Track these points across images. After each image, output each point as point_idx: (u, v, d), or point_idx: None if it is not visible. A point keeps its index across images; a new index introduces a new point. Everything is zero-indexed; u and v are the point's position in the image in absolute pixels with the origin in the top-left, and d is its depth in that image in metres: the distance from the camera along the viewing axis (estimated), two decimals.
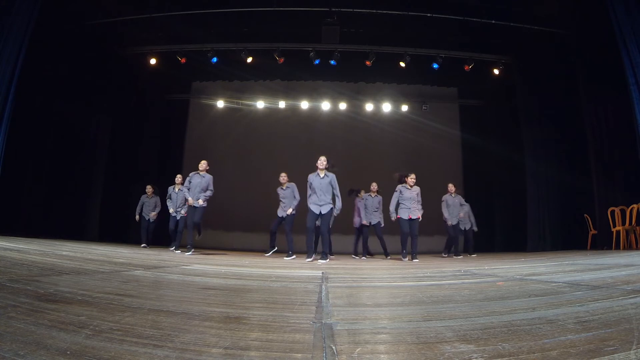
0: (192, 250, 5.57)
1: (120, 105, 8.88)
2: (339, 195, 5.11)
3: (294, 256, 5.51)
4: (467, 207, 7.25)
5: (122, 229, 8.60)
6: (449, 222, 6.84)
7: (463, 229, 7.30)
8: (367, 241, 6.83)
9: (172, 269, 2.88)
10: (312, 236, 5.16)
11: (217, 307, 1.39)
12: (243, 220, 9.49)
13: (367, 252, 6.91)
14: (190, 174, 5.91)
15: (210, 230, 9.10)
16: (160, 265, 3.15)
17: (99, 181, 8.51)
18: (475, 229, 7.40)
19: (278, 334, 0.99)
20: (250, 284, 2.22)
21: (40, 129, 7.13)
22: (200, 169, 5.86)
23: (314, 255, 5.12)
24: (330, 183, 5.11)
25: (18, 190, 6.77)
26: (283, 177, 6.10)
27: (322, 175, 5.12)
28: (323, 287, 2.02)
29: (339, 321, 1.14)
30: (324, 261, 4.75)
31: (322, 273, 2.96)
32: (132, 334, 0.91)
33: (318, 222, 5.37)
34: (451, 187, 7.05)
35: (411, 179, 5.78)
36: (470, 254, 7.09)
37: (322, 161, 5.12)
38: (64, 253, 3.51)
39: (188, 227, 5.77)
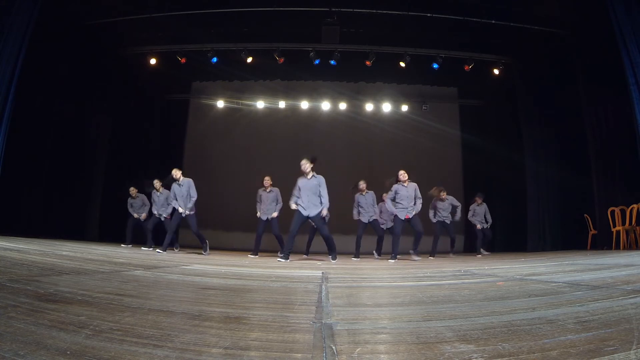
0: (208, 251, 5.76)
1: (120, 105, 8.88)
2: (325, 196, 5.01)
3: (289, 259, 5.57)
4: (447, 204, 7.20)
5: (122, 229, 8.59)
6: (435, 220, 7.00)
7: (481, 227, 7.44)
8: (361, 239, 6.66)
9: (172, 269, 2.88)
10: (293, 240, 5.03)
11: (217, 307, 1.39)
12: (243, 220, 9.47)
13: (378, 252, 6.83)
14: (172, 186, 5.91)
15: (210, 230, 9.09)
16: (160, 265, 3.15)
17: (99, 181, 8.51)
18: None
19: (278, 334, 0.99)
20: (250, 284, 2.22)
21: (40, 129, 7.12)
22: (176, 177, 5.83)
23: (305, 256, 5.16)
24: (318, 185, 5.01)
25: (18, 190, 6.77)
26: (267, 180, 6.25)
27: (309, 177, 5.04)
28: (323, 287, 2.02)
29: (339, 321, 1.14)
30: (335, 261, 4.83)
31: (322, 273, 2.96)
32: (132, 334, 0.91)
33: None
34: (443, 194, 7.01)
35: (402, 175, 5.64)
36: (482, 254, 7.07)
37: (303, 165, 5.02)
38: (64, 253, 3.51)
39: (169, 230, 5.91)
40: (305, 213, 5.00)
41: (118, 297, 1.43)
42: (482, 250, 7.35)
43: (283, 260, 4.77)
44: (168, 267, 2.97)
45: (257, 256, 5.86)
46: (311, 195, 5.00)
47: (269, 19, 7.73)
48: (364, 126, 10.32)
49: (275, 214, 6.13)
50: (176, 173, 5.87)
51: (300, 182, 5.08)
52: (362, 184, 6.57)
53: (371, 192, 6.62)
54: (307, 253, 6.76)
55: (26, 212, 7.00)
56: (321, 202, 5.02)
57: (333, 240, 5.11)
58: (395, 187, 5.71)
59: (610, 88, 6.32)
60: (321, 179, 5.05)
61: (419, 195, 5.69)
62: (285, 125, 10.46)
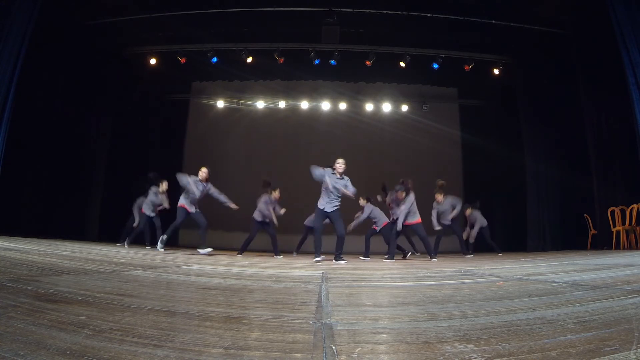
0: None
1: (120, 105, 8.88)
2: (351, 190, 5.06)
3: (281, 256, 5.98)
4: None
5: (122, 229, 8.60)
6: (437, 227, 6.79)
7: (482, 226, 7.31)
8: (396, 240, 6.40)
9: (172, 269, 2.88)
10: (321, 236, 5.06)
11: (217, 307, 1.39)
12: (243, 221, 9.47)
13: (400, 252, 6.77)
14: (195, 181, 5.83)
15: (210, 230, 9.08)
16: (160, 265, 3.15)
17: (99, 181, 8.50)
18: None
19: (278, 334, 0.98)
20: (250, 284, 2.22)
21: (40, 129, 7.12)
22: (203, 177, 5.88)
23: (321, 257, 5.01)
24: (346, 186, 4.99)
25: (18, 190, 6.77)
26: (277, 192, 6.61)
27: (339, 176, 5.02)
28: (323, 287, 2.02)
29: (339, 321, 1.14)
30: (344, 261, 4.72)
31: (322, 273, 2.96)
32: (132, 334, 0.91)
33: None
34: (439, 197, 6.90)
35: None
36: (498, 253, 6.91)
37: (341, 164, 4.99)
38: (64, 253, 3.51)
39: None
40: (329, 210, 4.99)
41: (118, 297, 1.43)
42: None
43: (320, 259, 4.75)
44: (168, 267, 2.97)
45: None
46: (337, 195, 5.00)
47: (269, 19, 7.73)
48: (364, 126, 10.33)
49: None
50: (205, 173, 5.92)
51: (331, 179, 4.97)
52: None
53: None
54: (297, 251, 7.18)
55: (26, 212, 7.00)
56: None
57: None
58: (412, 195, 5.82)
59: (610, 88, 6.32)
60: (348, 180, 5.08)
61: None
62: (285, 125, 10.47)
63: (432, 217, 6.73)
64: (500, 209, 9.38)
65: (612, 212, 6.10)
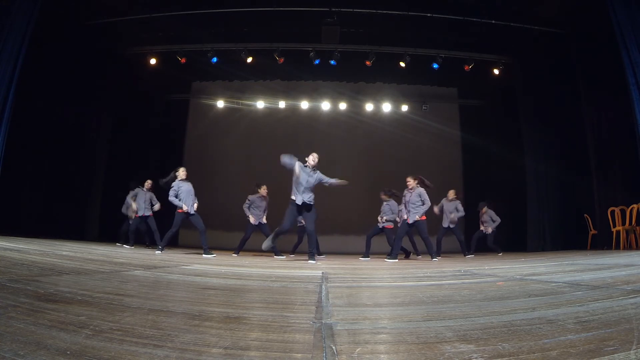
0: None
1: (120, 105, 8.88)
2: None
3: (283, 256, 5.96)
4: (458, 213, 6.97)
5: (120, 230, 8.60)
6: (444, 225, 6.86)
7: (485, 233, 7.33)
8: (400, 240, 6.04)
9: (172, 269, 2.88)
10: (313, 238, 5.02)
11: (217, 307, 1.39)
12: (243, 221, 9.49)
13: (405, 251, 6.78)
14: (178, 184, 5.77)
15: (210, 230, 9.10)
16: (160, 265, 3.15)
17: (99, 181, 8.50)
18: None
19: (278, 334, 0.99)
20: (250, 284, 2.22)
21: (40, 129, 7.12)
22: (183, 176, 5.83)
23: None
24: (321, 179, 4.93)
25: (18, 190, 6.77)
26: (265, 188, 6.69)
27: (311, 170, 4.92)
28: (323, 287, 2.02)
29: (339, 321, 1.14)
30: (313, 262, 4.62)
31: (322, 273, 2.96)
32: (132, 334, 0.91)
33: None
34: (451, 193, 6.98)
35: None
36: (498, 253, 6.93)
37: (313, 158, 4.94)
38: (64, 253, 3.52)
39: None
40: (305, 201, 4.91)
41: (118, 297, 1.43)
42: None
43: (313, 261, 4.65)
44: (168, 267, 2.97)
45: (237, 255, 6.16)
46: (307, 187, 4.91)
47: (269, 19, 7.73)
48: (364, 126, 10.33)
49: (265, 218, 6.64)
50: (184, 172, 5.88)
51: (302, 173, 4.87)
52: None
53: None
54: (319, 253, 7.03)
55: (26, 212, 7.00)
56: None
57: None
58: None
59: (610, 88, 6.32)
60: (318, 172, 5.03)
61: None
62: (285, 125, 10.46)
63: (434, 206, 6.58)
64: (500, 209, 9.37)
65: (612, 212, 6.10)
